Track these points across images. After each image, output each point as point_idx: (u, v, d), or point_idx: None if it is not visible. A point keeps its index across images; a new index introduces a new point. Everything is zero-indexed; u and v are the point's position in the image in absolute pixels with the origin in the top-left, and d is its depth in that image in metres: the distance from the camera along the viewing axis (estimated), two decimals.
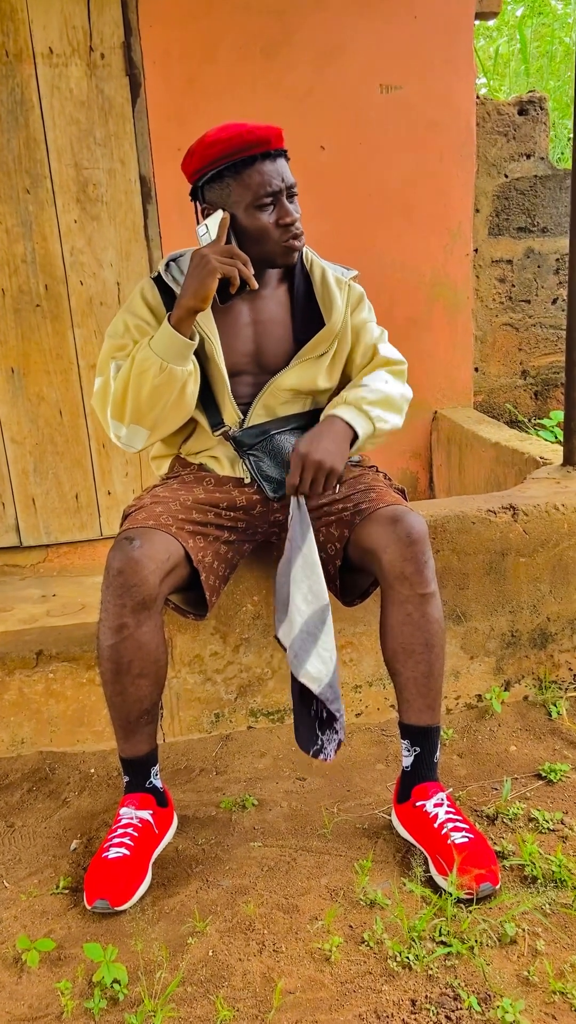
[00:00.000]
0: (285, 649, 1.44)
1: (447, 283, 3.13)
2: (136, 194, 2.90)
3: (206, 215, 1.56)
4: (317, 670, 1.40)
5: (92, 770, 1.82)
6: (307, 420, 1.69)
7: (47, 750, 1.87)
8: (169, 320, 1.48)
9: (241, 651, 1.87)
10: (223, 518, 1.61)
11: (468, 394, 3.22)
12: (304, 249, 1.68)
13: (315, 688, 1.40)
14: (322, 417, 1.55)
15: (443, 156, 3.01)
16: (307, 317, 1.65)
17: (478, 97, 3.03)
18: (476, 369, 3.25)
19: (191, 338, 1.49)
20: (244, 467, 1.64)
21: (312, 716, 1.46)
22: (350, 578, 1.63)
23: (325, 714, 1.45)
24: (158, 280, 1.63)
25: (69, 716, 1.86)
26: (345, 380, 1.71)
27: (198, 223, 1.57)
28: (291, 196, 1.53)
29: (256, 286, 1.48)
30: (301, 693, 1.46)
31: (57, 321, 2.97)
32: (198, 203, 1.58)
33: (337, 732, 1.45)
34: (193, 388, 1.53)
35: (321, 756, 1.45)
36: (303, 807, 1.65)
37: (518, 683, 1.97)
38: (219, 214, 1.51)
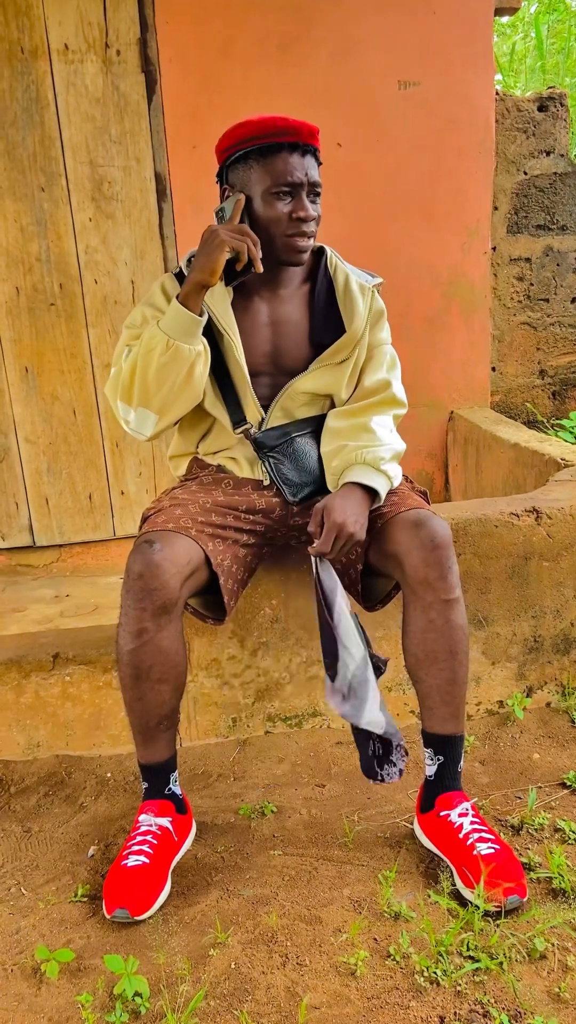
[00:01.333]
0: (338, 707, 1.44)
1: (464, 282, 3.10)
2: (151, 192, 2.88)
3: (226, 197, 1.54)
4: (374, 715, 1.40)
5: (109, 774, 1.80)
6: (322, 423, 1.66)
7: (63, 754, 1.85)
8: (178, 298, 1.45)
9: (259, 655, 1.85)
10: (242, 521, 1.58)
11: (485, 394, 3.18)
12: (328, 252, 1.66)
13: (377, 730, 1.40)
14: (343, 476, 1.51)
15: (461, 153, 2.98)
16: (327, 321, 1.62)
17: (497, 93, 2.99)
18: (493, 369, 3.21)
19: (200, 315, 1.46)
20: (263, 469, 1.62)
21: (371, 754, 1.45)
22: (372, 583, 1.60)
23: (382, 751, 1.44)
24: (180, 276, 1.60)
25: (86, 720, 1.84)
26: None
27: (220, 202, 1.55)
28: (312, 195, 1.50)
29: (261, 269, 1.45)
30: (360, 733, 1.46)
31: (71, 320, 2.95)
32: (220, 184, 1.56)
33: (396, 763, 1.44)
34: (202, 370, 1.50)
35: (389, 780, 1.45)
36: (323, 815, 1.63)
37: (540, 689, 1.94)
38: (237, 195, 1.50)
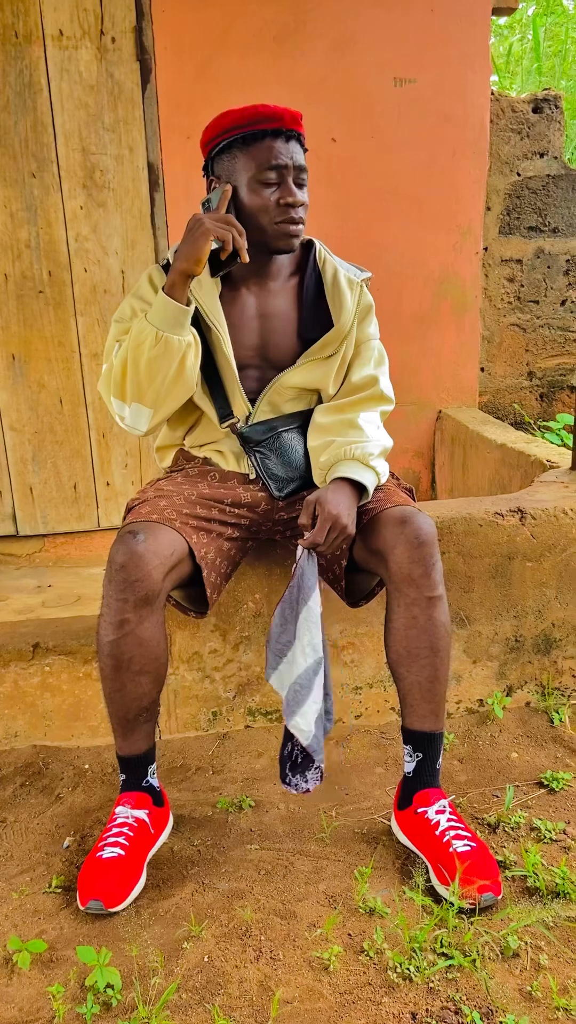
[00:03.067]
0: (278, 692, 1.45)
1: (455, 281, 3.10)
2: (144, 181, 2.86)
3: (212, 189, 1.53)
4: (307, 723, 1.39)
5: (86, 766, 1.79)
6: (310, 416, 1.66)
7: (41, 744, 1.84)
8: (163, 289, 1.44)
9: (241, 649, 1.84)
10: (227, 514, 1.58)
11: (473, 394, 3.19)
12: (317, 245, 1.65)
13: (303, 740, 1.40)
14: (331, 471, 1.50)
15: (456, 152, 2.98)
16: (315, 315, 1.61)
17: (493, 94, 2.99)
18: (482, 369, 3.22)
19: (187, 305, 1.45)
20: (249, 463, 1.61)
21: (287, 755, 1.45)
22: (356, 579, 1.60)
23: (301, 759, 1.44)
24: (167, 267, 1.59)
25: (64, 710, 1.83)
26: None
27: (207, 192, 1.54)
28: (299, 180, 1.49)
29: (247, 259, 1.44)
30: (286, 730, 1.45)
31: (60, 308, 2.92)
32: (207, 177, 1.55)
33: (308, 781, 1.44)
34: (193, 361, 1.49)
35: (291, 789, 1.45)
36: (301, 810, 1.63)
37: (520, 689, 1.94)
38: (223, 186, 1.49)
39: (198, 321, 1.54)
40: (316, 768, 1.42)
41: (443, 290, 3.11)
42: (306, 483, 1.62)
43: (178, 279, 1.42)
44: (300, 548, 1.44)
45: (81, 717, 1.84)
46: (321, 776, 1.43)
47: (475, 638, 1.89)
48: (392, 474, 1.65)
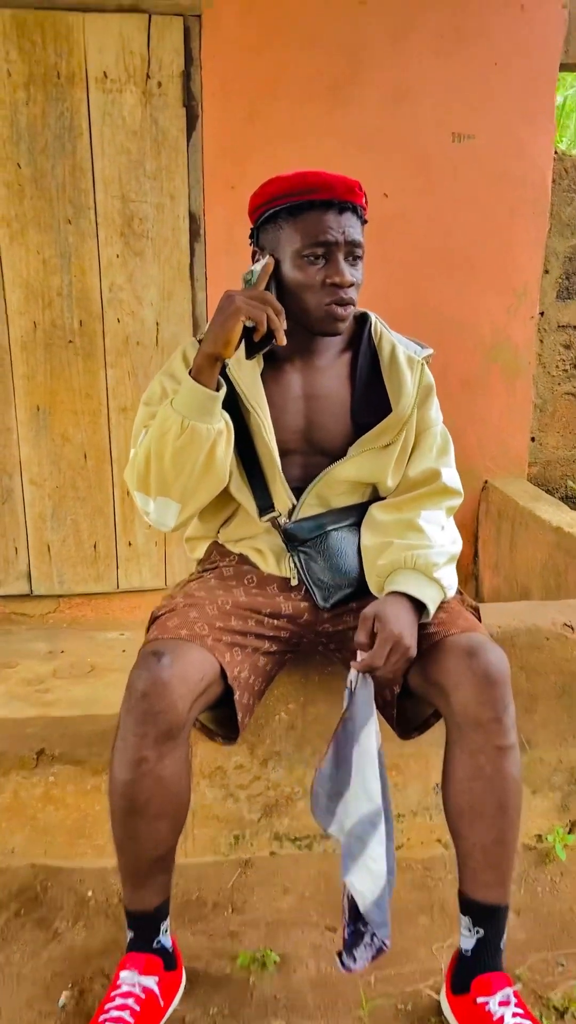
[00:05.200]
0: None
1: (508, 346, 2.92)
2: (184, 231, 2.72)
3: (255, 260, 1.37)
4: (363, 884, 1.17)
5: (89, 892, 1.59)
6: (363, 513, 1.47)
7: (40, 863, 1.63)
8: (190, 372, 1.27)
9: (270, 765, 1.63)
10: (265, 626, 1.38)
11: (522, 465, 2.99)
12: (372, 318, 1.47)
13: (360, 903, 1.17)
14: (390, 581, 1.31)
15: (514, 211, 2.82)
16: (369, 397, 1.43)
17: (556, 152, 2.84)
18: (532, 439, 3.02)
19: (216, 389, 1.28)
20: (292, 566, 1.42)
21: (346, 924, 1.21)
22: (409, 705, 1.39)
23: (363, 929, 1.19)
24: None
25: (68, 826, 1.63)
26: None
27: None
28: (352, 257, 1.32)
29: (284, 341, 1.26)
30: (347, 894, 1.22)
31: (90, 359, 2.78)
32: (253, 246, 1.40)
33: (356, 959, 1.19)
34: (225, 450, 1.32)
35: (343, 968, 1.19)
36: (334, 971, 1.39)
37: None
38: (266, 258, 1.33)
39: (236, 402, 1.36)
40: (372, 944, 1.18)
41: (494, 354, 2.93)
42: (357, 591, 1.42)
43: (205, 362, 1.25)
44: (353, 672, 1.24)
45: (86, 834, 1.63)
46: (378, 953, 1.18)
47: (536, 765, 1.67)
48: (457, 589, 1.45)
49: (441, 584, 1.30)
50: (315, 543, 1.41)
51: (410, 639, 1.22)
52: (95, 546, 2.92)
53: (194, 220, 2.72)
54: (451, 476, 1.47)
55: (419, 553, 1.31)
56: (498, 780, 1.21)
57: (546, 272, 2.89)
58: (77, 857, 1.64)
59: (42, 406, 2.78)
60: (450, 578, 1.33)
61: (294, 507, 1.42)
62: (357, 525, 1.45)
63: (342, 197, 1.30)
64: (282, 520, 1.41)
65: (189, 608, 1.33)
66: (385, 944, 1.16)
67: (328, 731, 1.62)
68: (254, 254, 1.38)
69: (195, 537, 1.56)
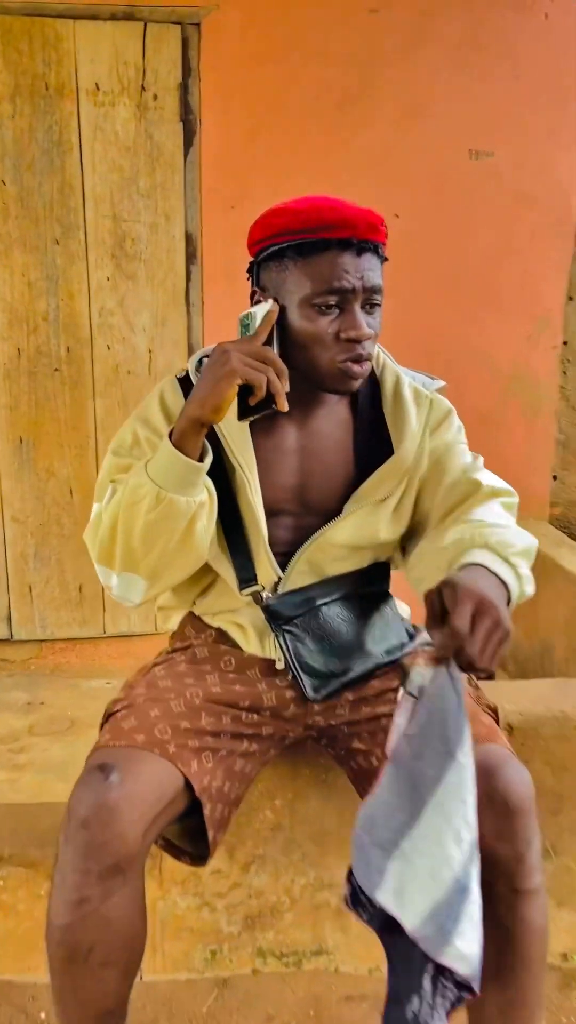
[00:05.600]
0: (365, 915, 0.92)
1: (528, 377, 2.72)
2: (180, 253, 2.54)
3: (255, 302, 1.16)
4: (469, 944, 0.87)
5: (42, 1014, 1.37)
6: (364, 581, 1.25)
7: None
8: (170, 435, 1.06)
9: (252, 871, 1.41)
10: (243, 723, 1.16)
11: (543, 505, 2.77)
12: (376, 349, 1.26)
13: (464, 969, 0.87)
14: (463, 557, 1.04)
15: (535, 234, 2.62)
16: (370, 442, 1.22)
17: None
18: (554, 477, 2.80)
19: (200, 458, 1.07)
20: (277, 646, 1.21)
21: (413, 1013, 0.89)
22: None
23: (432, 995, 0.89)
24: (185, 383, 1.22)
25: (19, 936, 1.41)
26: (415, 527, 1.26)
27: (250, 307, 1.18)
28: (369, 304, 1.11)
29: (285, 408, 1.04)
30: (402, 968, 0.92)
31: (77, 388, 2.59)
32: (251, 283, 1.18)
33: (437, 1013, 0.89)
34: (206, 524, 1.11)
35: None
36: None
37: None
38: (268, 303, 1.11)
39: (219, 456, 1.15)
40: (467, 990, 0.89)
41: (513, 386, 2.72)
42: (359, 678, 1.20)
43: (189, 427, 1.04)
44: (420, 667, 0.92)
45: (40, 946, 1.40)
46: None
47: (562, 874, 1.44)
48: (471, 682, 1.23)
49: (519, 572, 1.04)
50: (303, 621, 1.20)
51: (503, 609, 0.92)
52: (80, 588, 2.71)
53: (190, 241, 2.55)
54: (492, 478, 1.23)
55: (491, 531, 1.07)
56: (520, 931, 0.99)
57: (570, 299, 2.69)
58: (29, 971, 1.42)
59: (25, 438, 2.60)
60: (527, 570, 1.06)
61: (279, 580, 1.21)
62: (352, 597, 1.24)
63: (363, 236, 1.08)
64: (265, 595, 1.20)
65: (151, 704, 1.11)
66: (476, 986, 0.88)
67: (318, 832, 1.41)
68: (253, 294, 1.17)
69: (168, 607, 1.34)
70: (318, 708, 1.21)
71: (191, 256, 2.55)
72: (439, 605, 0.92)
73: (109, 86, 2.41)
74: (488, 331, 2.68)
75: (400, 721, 0.93)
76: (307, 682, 1.18)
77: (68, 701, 2.64)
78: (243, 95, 2.45)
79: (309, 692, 1.18)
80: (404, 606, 1.38)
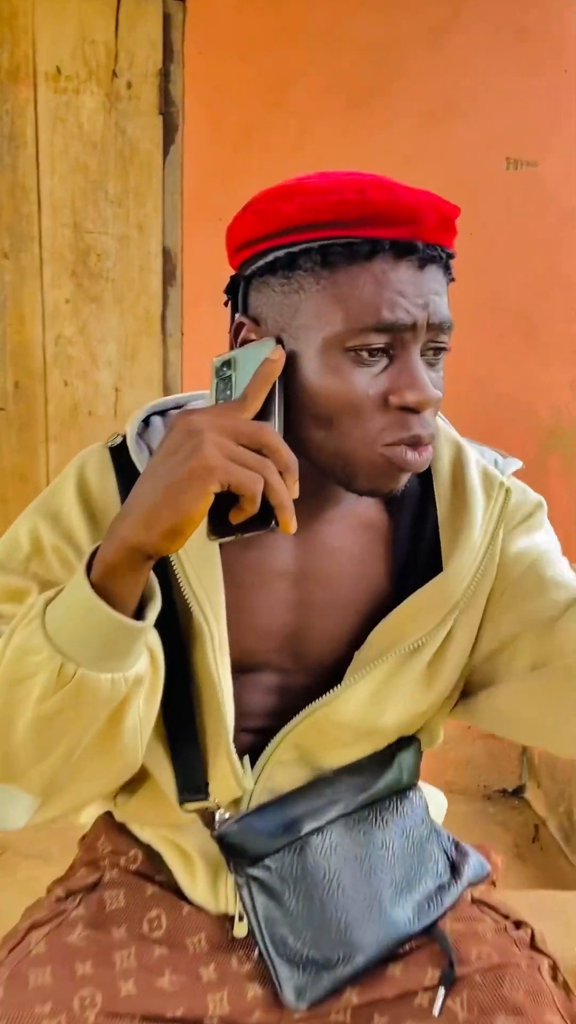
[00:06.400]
0: None
1: (570, 429, 2.33)
2: (155, 272, 2.14)
3: (241, 342, 0.71)
4: None
5: None
6: (379, 777, 0.79)
7: None
8: (89, 567, 0.60)
9: None
10: None
11: None
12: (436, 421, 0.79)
13: None
14: None
15: None
16: (419, 559, 0.76)
17: None
18: None
19: (138, 615, 0.61)
20: (237, 899, 0.73)
21: None
22: None
23: None
24: (118, 451, 0.79)
25: None
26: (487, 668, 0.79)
27: (230, 347, 0.73)
28: (433, 350, 0.67)
29: (293, 529, 0.60)
30: None
31: (26, 431, 2.18)
32: (231, 309, 0.75)
33: None
34: (143, 712, 0.66)
35: None
36: None
37: None
38: (265, 344, 0.67)
39: (167, 585, 0.69)
40: None
41: (554, 440, 2.33)
42: (371, 964, 0.73)
43: (123, 559, 0.59)
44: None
45: None
46: None
47: None
48: (527, 931, 0.76)
49: None
50: (281, 861, 0.73)
51: None
52: None
53: (169, 258, 2.15)
54: None
55: None
56: None
57: None
58: None
59: None
60: None
61: (246, 790, 0.74)
62: (361, 813, 0.77)
63: (431, 238, 0.66)
64: (220, 814, 0.73)
65: (11, 1008, 0.63)
66: None
67: None
68: (239, 328, 0.72)
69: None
70: (300, 1017, 0.72)
71: (169, 276, 2.15)
72: None
73: (73, 70, 2.02)
74: (526, 375, 2.30)
75: None
76: (284, 975, 0.70)
77: None
78: (235, 86, 2.09)
79: (287, 995, 0.70)
80: (435, 795, 0.91)
